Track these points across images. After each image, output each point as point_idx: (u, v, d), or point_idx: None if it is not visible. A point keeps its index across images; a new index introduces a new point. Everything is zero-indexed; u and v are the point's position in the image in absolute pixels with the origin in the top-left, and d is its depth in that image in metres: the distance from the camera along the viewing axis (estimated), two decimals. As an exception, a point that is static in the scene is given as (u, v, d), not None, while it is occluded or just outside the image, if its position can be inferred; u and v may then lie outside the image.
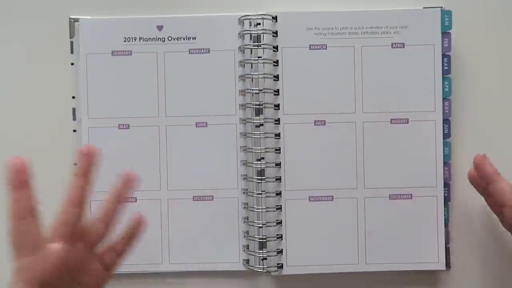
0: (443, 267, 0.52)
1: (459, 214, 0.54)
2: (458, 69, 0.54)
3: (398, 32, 0.52)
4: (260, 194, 0.52)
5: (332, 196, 0.53)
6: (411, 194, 0.52)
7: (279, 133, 0.53)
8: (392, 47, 0.52)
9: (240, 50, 0.53)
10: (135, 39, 0.53)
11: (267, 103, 0.52)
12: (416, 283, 0.53)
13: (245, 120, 0.53)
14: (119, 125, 0.53)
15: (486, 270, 0.54)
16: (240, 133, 0.53)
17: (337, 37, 0.52)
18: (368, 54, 0.52)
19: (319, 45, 0.52)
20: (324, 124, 0.53)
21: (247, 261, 0.53)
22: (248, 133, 0.53)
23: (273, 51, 0.53)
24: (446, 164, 0.53)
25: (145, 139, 0.54)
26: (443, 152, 0.53)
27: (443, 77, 0.53)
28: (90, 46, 0.53)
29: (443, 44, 0.52)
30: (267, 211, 0.52)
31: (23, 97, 0.55)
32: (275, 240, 0.53)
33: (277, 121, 0.53)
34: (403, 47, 0.52)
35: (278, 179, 0.53)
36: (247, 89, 0.53)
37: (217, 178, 0.53)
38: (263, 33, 0.52)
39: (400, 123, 0.53)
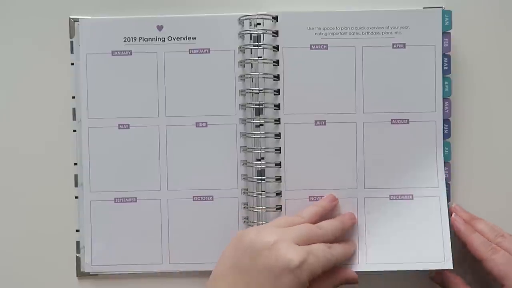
0: (450, 266, 0.51)
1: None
2: (458, 69, 0.54)
3: (399, 32, 0.52)
4: (260, 194, 0.52)
5: (332, 196, 0.53)
6: (412, 195, 0.53)
7: (279, 133, 0.53)
8: (393, 47, 0.52)
9: (240, 50, 0.53)
10: (135, 39, 0.53)
11: (267, 103, 0.52)
12: (417, 283, 0.53)
13: (245, 120, 0.53)
14: (119, 125, 0.53)
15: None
16: (240, 133, 0.53)
17: (338, 37, 0.52)
18: (369, 54, 0.52)
19: (320, 45, 0.52)
20: (325, 124, 0.53)
21: (247, 261, 0.53)
22: (248, 133, 0.53)
23: (273, 51, 0.52)
24: (446, 164, 0.53)
25: (145, 139, 0.54)
26: (443, 152, 0.53)
27: (443, 77, 0.53)
28: (90, 46, 0.53)
29: (443, 44, 0.52)
30: (267, 211, 0.52)
31: (23, 97, 0.55)
32: (275, 240, 0.53)
33: (277, 121, 0.53)
34: (404, 47, 0.52)
35: (278, 179, 0.53)
36: (247, 89, 0.53)
37: (217, 178, 0.53)
38: (263, 33, 0.52)
39: (401, 123, 0.53)
